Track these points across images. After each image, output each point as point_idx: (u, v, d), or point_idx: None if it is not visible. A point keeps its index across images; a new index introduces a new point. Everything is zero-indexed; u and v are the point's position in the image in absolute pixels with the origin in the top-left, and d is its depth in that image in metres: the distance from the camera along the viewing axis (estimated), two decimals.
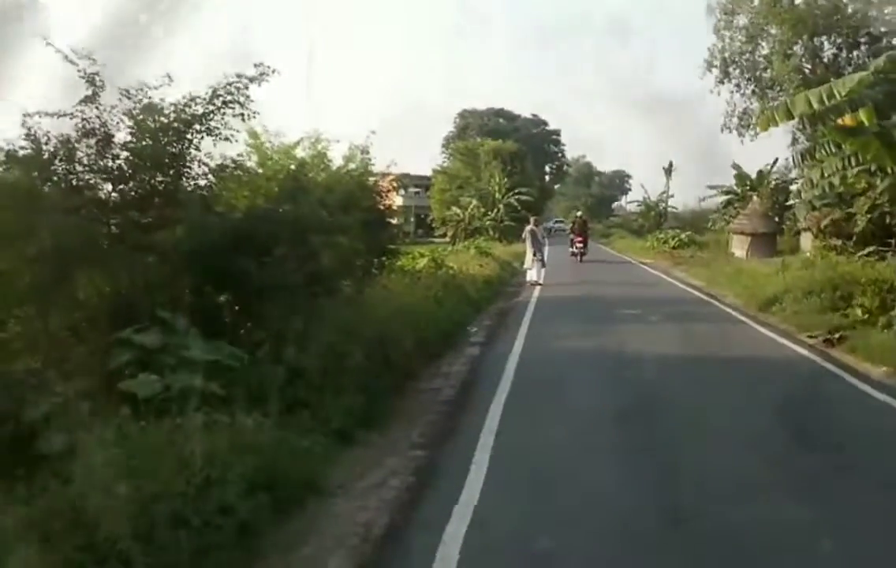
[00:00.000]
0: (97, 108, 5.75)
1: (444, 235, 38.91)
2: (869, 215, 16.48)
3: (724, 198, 34.04)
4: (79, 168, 5.80)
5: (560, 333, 10.60)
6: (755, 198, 29.68)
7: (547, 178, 67.55)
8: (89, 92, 5.69)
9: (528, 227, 18.52)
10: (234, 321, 6.65)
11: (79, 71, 5.64)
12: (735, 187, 33.34)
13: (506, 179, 41.82)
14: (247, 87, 6.40)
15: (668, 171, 50.62)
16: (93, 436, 3.63)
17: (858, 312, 10.63)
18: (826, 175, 13.06)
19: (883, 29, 24.90)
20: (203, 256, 6.01)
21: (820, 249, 17.06)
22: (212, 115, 6.29)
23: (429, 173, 47.83)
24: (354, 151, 11.85)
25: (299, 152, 10.70)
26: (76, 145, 5.75)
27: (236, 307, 6.71)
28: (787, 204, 27.37)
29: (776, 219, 28.43)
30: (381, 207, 12.31)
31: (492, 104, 65.50)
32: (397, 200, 24.92)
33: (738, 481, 4.52)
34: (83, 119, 5.72)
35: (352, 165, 11.72)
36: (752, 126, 27.37)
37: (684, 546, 3.65)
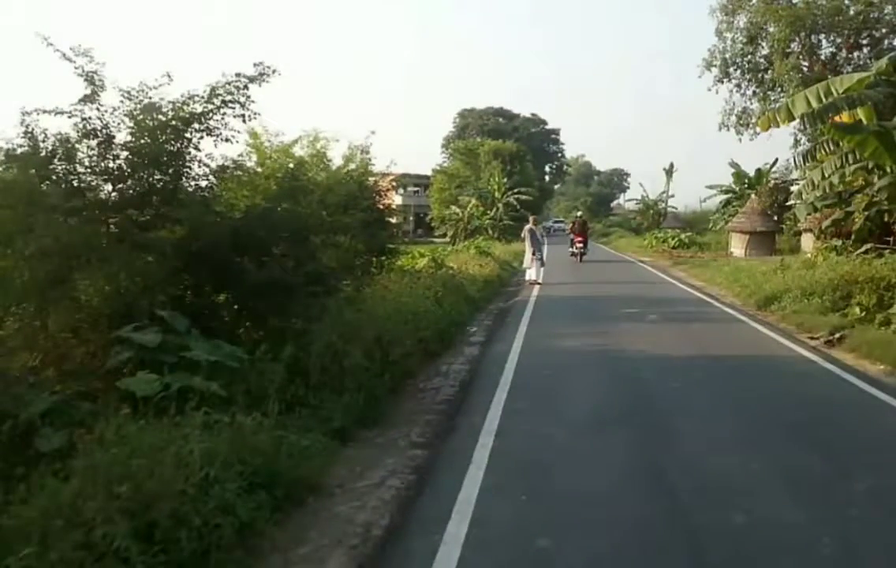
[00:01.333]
0: (98, 109, 5.75)
1: (444, 235, 38.92)
2: (867, 213, 16.50)
3: (724, 197, 34.14)
4: (80, 169, 5.81)
5: (559, 332, 10.60)
6: (753, 196, 29.75)
7: (546, 177, 67.68)
8: (88, 91, 5.69)
9: (528, 227, 18.55)
10: (234, 320, 6.65)
11: (76, 69, 5.64)
12: (733, 185, 33.44)
13: (505, 179, 41.85)
14: (246, 87, 6.40)
15: (669, 171, 50.69)
16: (92, 434, 3.63)
17: (857, 310, 10.66)
18: (826, 175, 13.09)
19: (885, 30, 24.92)
20: (202, 256, 6.02)
21: (821, 250, 17.08)
22: (211, 115, 6.28)
23: (428, 173, 47.85)
24: (354, 151, 11.88)
25: (297, 150, 10.73)
26: (76, 146, 5.76)
27: (235, 306, 6.71)
28: (786, 203, 27.43)
29: (775, 217, 28.49)
30: (381, 207, 12.34)
31: (491, 103, 65.65)
32: (396, 200, 24.90)
33: (738, 480, 4.51)
34: (83, 119, 5.72)
35: (352, 165, 11.75)
36: (751, 125, 27.35)
37: (683, 547, 3.65)
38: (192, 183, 6.58)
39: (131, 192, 6.09)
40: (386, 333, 7.19)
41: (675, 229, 38.08)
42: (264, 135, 10.17)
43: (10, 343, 5.10)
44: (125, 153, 5.93)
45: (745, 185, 32.25)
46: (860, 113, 12.08)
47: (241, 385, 5.01)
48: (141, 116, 5.91)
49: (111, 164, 5.94)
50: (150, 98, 5.98)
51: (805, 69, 25.39)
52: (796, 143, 25.36)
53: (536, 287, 16.57)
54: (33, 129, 5.57)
